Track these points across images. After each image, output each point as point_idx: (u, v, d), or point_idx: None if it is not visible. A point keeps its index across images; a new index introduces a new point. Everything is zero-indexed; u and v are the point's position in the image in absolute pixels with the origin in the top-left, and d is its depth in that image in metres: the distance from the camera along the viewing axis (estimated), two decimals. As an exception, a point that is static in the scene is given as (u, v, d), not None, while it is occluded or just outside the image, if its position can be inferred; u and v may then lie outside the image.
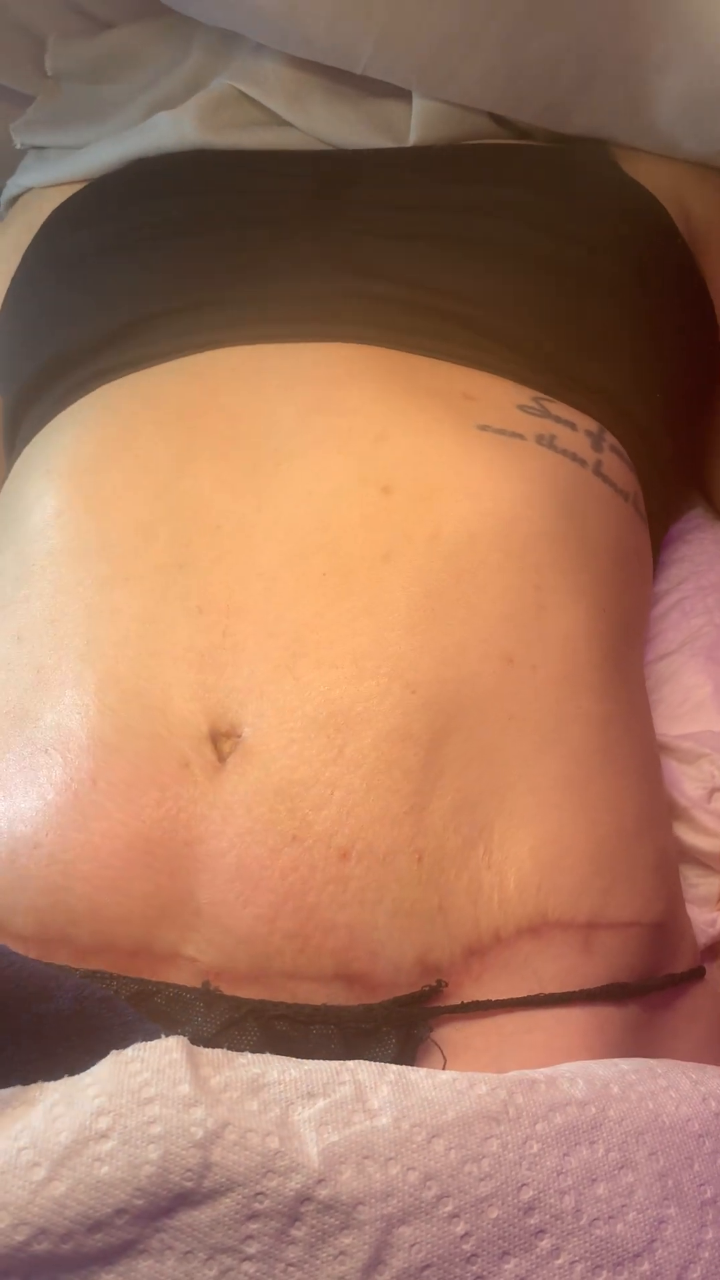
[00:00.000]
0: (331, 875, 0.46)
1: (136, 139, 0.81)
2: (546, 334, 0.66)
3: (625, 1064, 0.43)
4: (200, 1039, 0.43)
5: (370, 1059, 0.41)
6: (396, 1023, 0.44)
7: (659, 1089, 0.42)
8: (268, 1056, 0.40)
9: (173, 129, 0.81)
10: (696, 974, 0.53)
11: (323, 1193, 0.36)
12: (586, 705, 0.52)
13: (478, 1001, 0.45)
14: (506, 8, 0.72)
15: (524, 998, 0.46)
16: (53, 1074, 0.39)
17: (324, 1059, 0.41)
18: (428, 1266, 0.36)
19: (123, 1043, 0.39)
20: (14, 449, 0.71)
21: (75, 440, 0.62)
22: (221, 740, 0.49)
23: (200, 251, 0.70)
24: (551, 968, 0.47)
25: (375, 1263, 0.36)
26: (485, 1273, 0.37)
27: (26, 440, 0.68)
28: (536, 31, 0.73)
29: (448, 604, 0.52)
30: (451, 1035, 0.45)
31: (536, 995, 0.46)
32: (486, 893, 0.47)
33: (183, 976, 0.46)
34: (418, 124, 0.78)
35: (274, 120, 0.82)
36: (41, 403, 0.68)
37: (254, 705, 0.49)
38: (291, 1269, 0.36)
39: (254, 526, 0.54)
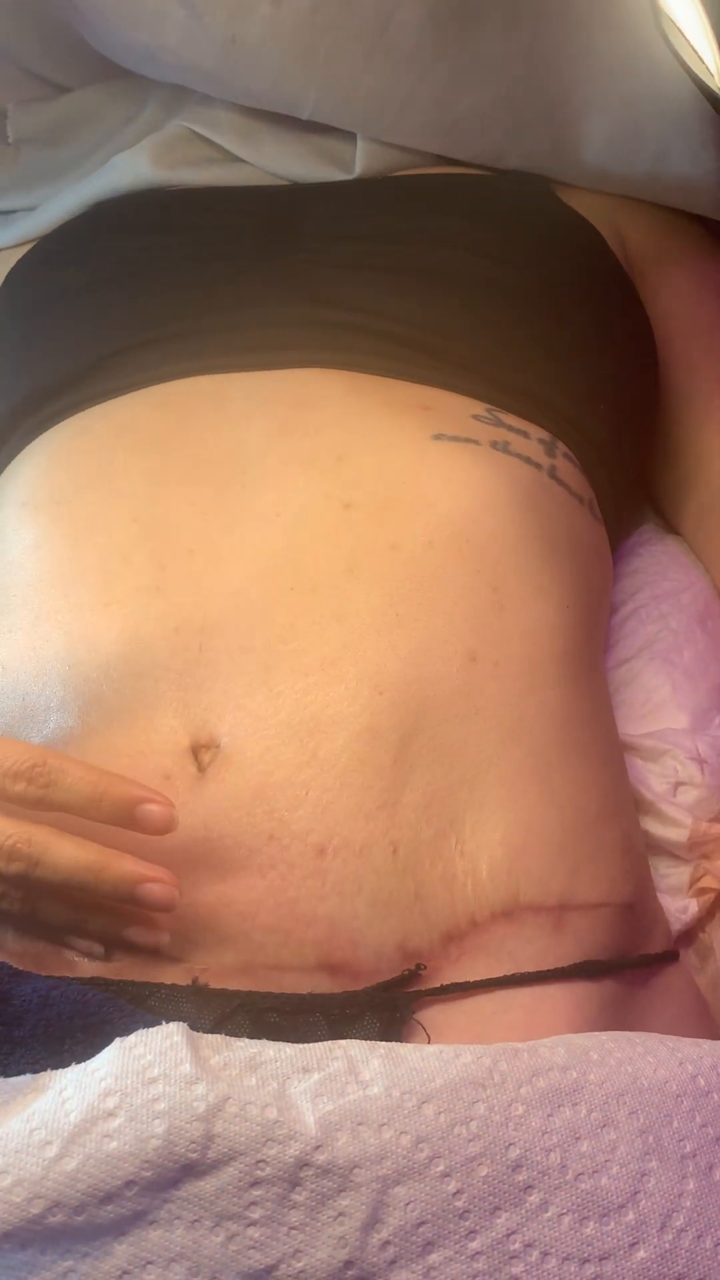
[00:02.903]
0: (310, 870, 0.48)
1: (94, 182, 0.84)
2: (494, 353, 0.68)
3: (604, 1035, 0.45)
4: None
5: None
6: (379, 1008, 0.46)
7: (637, 1055, 0.44)
8: (263, 1040, 0.42)
9: (128, 169, 0.84)
10: (670, 956, 0.55)
11: (320, 1158, 0.38)
12: (549, 698, 0.55)
13: (457, 984, 0.47)
14: (434, 70, 0.76)
15: (501, 978, 0.48)
16: (61, 1066, 0.40)
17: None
18: (423, 1223, 0.38)
19: (125, 1034, 0.41)
20: None
21: (49, 469, 0.64)
22: (201, 752, 0.51)
23: (163, 288, 0.73)
24: (526, 949, 0.49)
25: (373, 1221, 0.38)
26: (478, 1227, 0.39)
27: None
28: (465, 90, 0.77)
29: (410, 609, 0.54)
30: (434, 1018, 0.47)
31: (513, 975, 0.48)
32: (460, 880, 0.49)
33: (173, 976, 0.48)
34: (362, 158, 0.82)
35: (226, 157, 0.85)
36: (13, 439, 0.70)
37: (230, 717, 0.51)
38: (294, 1231, 0.38)
39: (224, 547, 0.56)
